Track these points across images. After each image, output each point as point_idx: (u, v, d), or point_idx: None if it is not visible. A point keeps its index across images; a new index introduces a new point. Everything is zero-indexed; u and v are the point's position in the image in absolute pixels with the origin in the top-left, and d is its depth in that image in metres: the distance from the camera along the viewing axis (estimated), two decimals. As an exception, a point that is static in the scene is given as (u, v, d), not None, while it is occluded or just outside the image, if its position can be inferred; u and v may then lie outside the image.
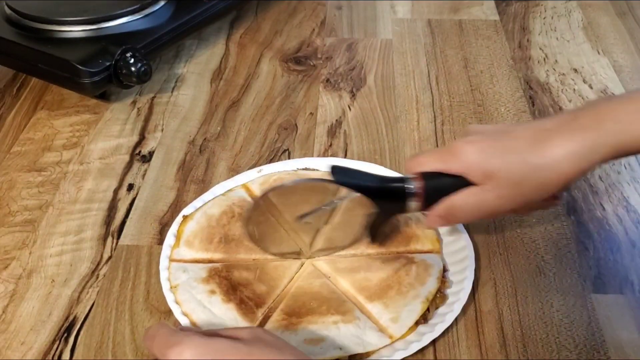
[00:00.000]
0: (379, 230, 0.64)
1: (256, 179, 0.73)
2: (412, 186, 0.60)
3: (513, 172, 0.57)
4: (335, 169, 0.61)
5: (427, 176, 0.60)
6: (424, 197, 0.60)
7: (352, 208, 0.62)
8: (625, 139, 0.54)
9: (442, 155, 0.60)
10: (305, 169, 0.75)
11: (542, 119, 0.68)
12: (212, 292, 0.61)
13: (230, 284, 0.62)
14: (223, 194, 0.71)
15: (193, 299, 0.61)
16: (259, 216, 0.63)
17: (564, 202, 0.72)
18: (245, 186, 0.72)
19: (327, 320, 0.58)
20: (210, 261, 0.65)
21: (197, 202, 0.71)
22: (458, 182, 0.58)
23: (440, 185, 0.59)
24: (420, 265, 0.63)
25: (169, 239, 0.67)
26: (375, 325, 0.59)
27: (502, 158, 0.57)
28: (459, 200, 0.59)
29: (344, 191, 0.61)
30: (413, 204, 0.60)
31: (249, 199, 0.71)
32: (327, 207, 0.63)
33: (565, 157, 0.55)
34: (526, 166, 0.56)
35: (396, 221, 0.67)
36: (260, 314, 0.60)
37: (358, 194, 0.60)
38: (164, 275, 0.63)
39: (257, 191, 0.71)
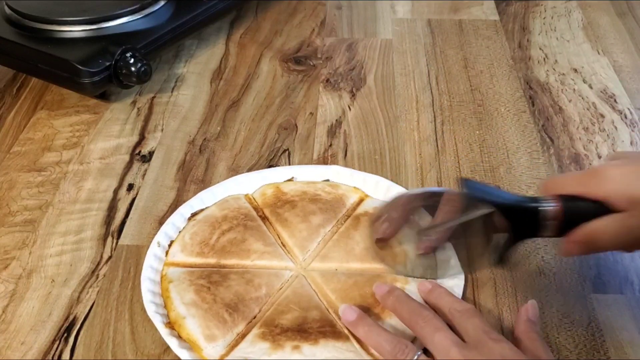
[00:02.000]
0: (507, 255, 0.58)
1: (258, 189, 0.72)
2: (549, 206, 0.55)
3: None
4: (466, 182, 0.58)
5: (564, 199, 0.55)
6: (561, 221, 0.55)
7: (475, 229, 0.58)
8: None
9: (583, 178, 0.56)
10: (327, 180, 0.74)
11: None
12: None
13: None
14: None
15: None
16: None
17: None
18: (247, 197, 0.72)
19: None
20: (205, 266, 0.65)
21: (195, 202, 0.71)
22: (599, 209, 0.54)
23: (579, 209, 0.55)
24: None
25: (153, 247, 0.66)
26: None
27: None
28: (601, 226, 0.54)
29: (473, 208, 0.57)
30: (549, 226, 0.56)
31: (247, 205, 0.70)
32: (452, 223, 0.59)
33: None
34: None
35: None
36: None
37: (491, 210, 0.56)
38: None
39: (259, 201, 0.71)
